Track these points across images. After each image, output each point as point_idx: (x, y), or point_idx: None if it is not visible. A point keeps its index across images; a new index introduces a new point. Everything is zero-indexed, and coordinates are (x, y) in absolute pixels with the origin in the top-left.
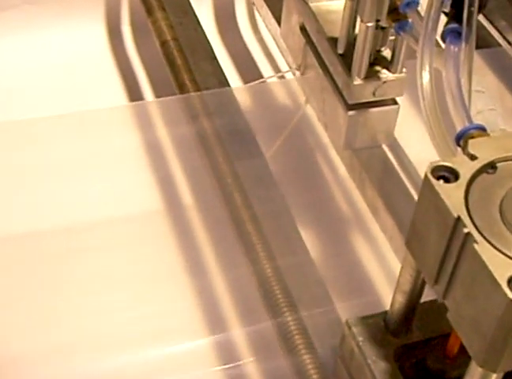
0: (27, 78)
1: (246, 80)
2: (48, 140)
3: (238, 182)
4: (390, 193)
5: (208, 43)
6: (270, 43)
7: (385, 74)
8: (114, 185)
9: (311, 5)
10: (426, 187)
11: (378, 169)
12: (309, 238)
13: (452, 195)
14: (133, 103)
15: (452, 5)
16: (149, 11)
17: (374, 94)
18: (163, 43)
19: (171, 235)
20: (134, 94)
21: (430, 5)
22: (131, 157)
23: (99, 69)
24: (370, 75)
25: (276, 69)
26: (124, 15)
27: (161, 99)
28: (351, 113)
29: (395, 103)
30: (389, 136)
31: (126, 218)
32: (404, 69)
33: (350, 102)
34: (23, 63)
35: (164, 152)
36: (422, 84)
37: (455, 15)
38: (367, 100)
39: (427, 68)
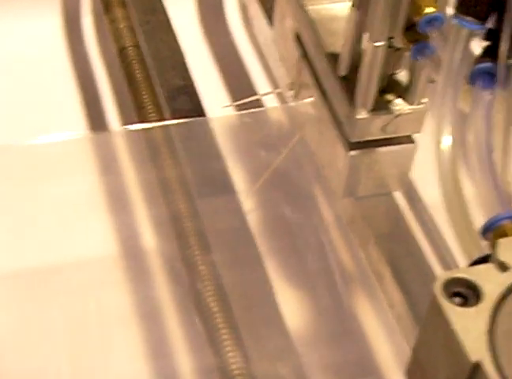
0: None
1: (233, 97)
2: None
3: (202, 240)
4: (401, 258)
5: (179, 50)
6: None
7: (399, 105)
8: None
9: (309, 8)
10: (434, 309)
11: (386, 224)
12: (288, 300)
13: (470, 326)
14: (88, 131)
15: (488, 35)
16: (107, 6)
17: (383, 130)
18: (121, 51)
19: (125, 283)
20: (92, 108)
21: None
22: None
23: (50, 72)
24: (380, 106)
25: (273, 83)
26: (85, 4)
27: (118, 130)
28: (353, 153)
29: (411, 141)
30: (401, 181)
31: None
32: (424, 100)
33: (352, 139)
34: None
35: (122, 195)
36: (440, 150)
37: (490, 49)
38: (374, 138)
39: (448, 128)
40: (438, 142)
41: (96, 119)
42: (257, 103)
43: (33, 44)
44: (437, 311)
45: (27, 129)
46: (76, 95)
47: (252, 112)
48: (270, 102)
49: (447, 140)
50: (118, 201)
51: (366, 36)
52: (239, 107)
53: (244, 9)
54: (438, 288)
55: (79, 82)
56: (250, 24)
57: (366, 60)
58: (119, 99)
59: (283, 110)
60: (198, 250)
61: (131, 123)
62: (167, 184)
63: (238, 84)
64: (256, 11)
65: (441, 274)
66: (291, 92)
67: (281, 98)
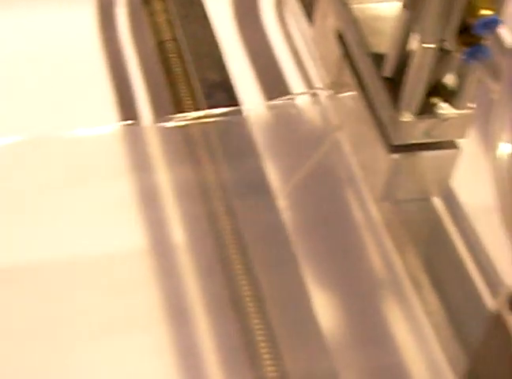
0: None
1: (267, 96)
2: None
3: (237, 237)
4: (440, 265)
5: (217, 45)
6: (301, 47)
7: (445, 110)
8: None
9: (353, 7)
10: (496, 322)
11: (426, 229)
12: (322, 302)
13: None
14: (122, 125)
15: None
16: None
17: (427, 134)
18: (160, 44)
19: (155, 279)
20: (125, 101)
21: None
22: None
23: (83, 64)
24: (425, 109)
25: (308, 81)
26: None
27: (154, 125)
28: (395, 156)
29: (454, 146)
30: (442, 187)
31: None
32: (471, 105)
33: (395, 142)
34: None
35: (155, 191)
36: (498, 161)
37: None
38: (417, 141)
39: (507, 135)
40: (495, 149)
41: (128, 113)
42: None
43: (67, 34)
44: (500, 324)
45: (60, 121)
46: (109, 87)
47: (291, 110)
48: (304, 102)
49: (505, 148)
50: (151, 197)
51: (415, 37)
52: (273, 105)
53: (279, 5)
54: (502, 302)
55: (112, 74)
56: (285, 20)
57: (414, 62)
58: (153, 93)
59: (321, 109)
60: (235, 249)
61: (164, 118)
62: (204, 181)
63: (270, 80)
64: (294, 8)
65: (505, 288)
66: (330, 92)
67: (315, 98)
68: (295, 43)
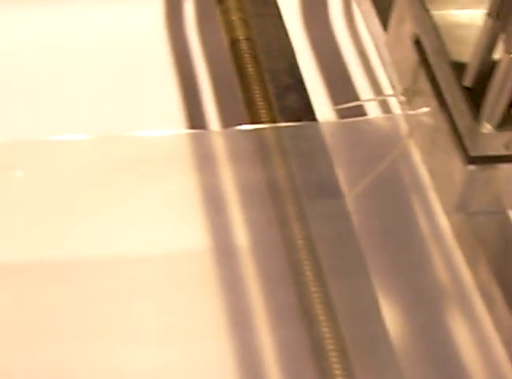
0: (50, 63)
1: (335, 99)
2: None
3: (308, 242)
4: None
5: (290, 46)
6: (371, 51)
7: None
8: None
9: (433, 13)
10: None
11: (500, 244)
12: (390, 314)
13: None
14: (190, 131)
15: None
16: None
17: (507, 147)
18: (233, 43)
19: (216, 282)
20: (194, 99)
21: None
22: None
23: (150, 61)
24: (507, 121)
25: (376, 86)
26: None
27: (223, 130)
28: (471, 167)
29: None
30: None
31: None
32: None
33: (473, 153)
34: (46, 43)
35: (223, 194)
36: None
37: None
38: (495, 154)
39: None
40: None
41: (196, 112)
42: (359, 108)
43: (134, 30)
44: None
45: (125, 120)
46: (176, 86)
47: (360, 116)
48: (372, 108)
49: None
50: (218, 200)
51: (501, 47)
52: (340, 111)
53: (348, 6)
54: None
55: (179, 72)
56: (355, 22)
57: (499, 72)
58: (222, 92)
59: (395, 119)
60: (305, 255)
61: (232, 119)
62: (274, 185)
63: (338, 83)
64: (366, 10)
65: None
66: (402, 99)
67: (385, 104)
68: (364, 47)
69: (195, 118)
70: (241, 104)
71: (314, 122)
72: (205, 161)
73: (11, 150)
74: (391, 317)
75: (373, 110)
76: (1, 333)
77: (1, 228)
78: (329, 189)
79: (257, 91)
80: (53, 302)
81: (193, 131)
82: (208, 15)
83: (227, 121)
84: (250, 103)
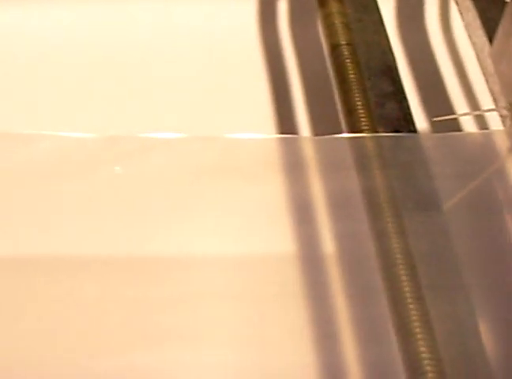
0: (144, 62)
1: (429, 110)
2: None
3: (406, 256)
4: None
5: (391, 54)
6: (469, 62)
7: None
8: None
9: None
10: None
11: None
12: (488, 329)
13: None
14: (282, 136)
15: None
16: (322, 1)
17: None
18: (334, 48)
19: (302, 291)
20: (284, 106)
21: None
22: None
23: (241, 62)
24: None
25: (473, 99)
26: None
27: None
28: None
29: None
30: None
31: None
32: None
33: None
34: (141, 42)
35: (313, 202)
36: None
37: None
38: None
39: None
40: None
41: (286, 117)
42: (455, 121)
43: (225, 30)
44: None
45: (214, 122)
46: (267, 89)
47: (465, 133)
48: (468, 121)
49: None
50: (306, 208)
51: None
52: (434, 123)
53: (445, 16)
54: None
55: (271, 74)
56: (453, 33)
57: None
58: (317, 99)
59: (494, 134)
60: (403, 270)
61: (324, 126)
62: (372, 196)
63: (433, 94)
64: (472, 21)
65: None
66: (505, 113)
67: (479, 118)
68: (463, 57)
69: (287, 124)
70: (332, 111)
71: (414, 134)
72: (297, 168)
73: (112, 144)
74: (489, 335)
75: (468, 123)
76: (90, 332)
77: (94, 221)
78: (427, 203)
79: (358, 99)
80: (136, 300)
81: (286, 136)
82: (303, 17)
83: (319, 128)
84: (349, 111)
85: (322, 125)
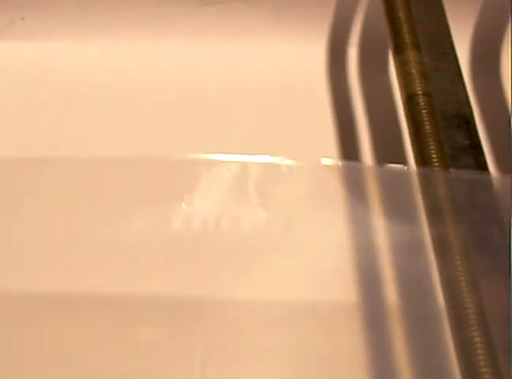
0: (213, 100)
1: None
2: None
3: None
4: None
5: (468, 104)
6: None
7: None
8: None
9: None
10: None
11: None
12: None
13: None
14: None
15: None
16: (399, 48)
17: None
18: (410, 98)
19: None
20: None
21: None
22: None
23: (307, 106)
24: None
25: None
26: (353, 33)
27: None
28: None
29: None
30: None
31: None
32: None
33: None
34: (210, 81)
35: (377, 242)
36: None
37: None
38: None
39: None
40: None
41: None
42: None
43: (293, 71)
44: None
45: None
46: (332, 138)
47: None
48: None
49: None
50: (369, 247)
51: None
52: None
53: None
54: None
55: (337, 119)
56: None
57: None
58: (382, 151)
59: None
60: (476, 327)
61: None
62: (438, 238)
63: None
64: None
65: None
66: None
67: None
68: None
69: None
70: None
71: (486, 179)
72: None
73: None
74: None
75: None
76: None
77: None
78: (497, 253)
79: (434, 151)
80: (195, 336)
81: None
82: (374, 64)
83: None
84: (424, 164)
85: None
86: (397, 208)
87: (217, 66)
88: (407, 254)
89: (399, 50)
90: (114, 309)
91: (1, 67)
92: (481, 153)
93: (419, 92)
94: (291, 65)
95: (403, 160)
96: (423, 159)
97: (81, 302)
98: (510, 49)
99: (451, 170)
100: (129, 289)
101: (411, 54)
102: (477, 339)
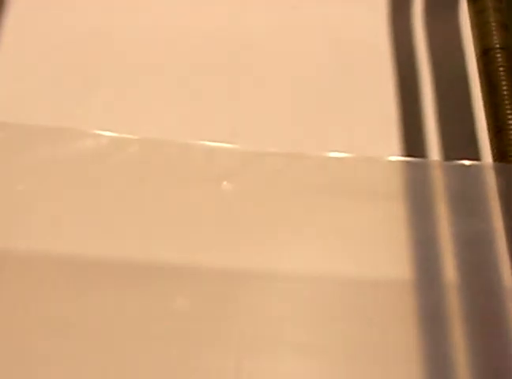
0: (270, 60)
1: None
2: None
3: None
4: None
5: None
6: None
7: None
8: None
9: None
10: None
11: None
12: None
13: None
14: (406, 159)
15: None
16: None
17: None
18: (485, 52)
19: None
20: (411, 122)
21: None
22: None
23: (369, 66)
24: None
25: None
26: None
27: (446, 163)
28: None
29: None
30: None
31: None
32: None
33: None
34: (269, 41)
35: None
36: None
37: None
38: None
39: None
40: None
41: (413, 133)
42: None
43: (356, 31)
44: None
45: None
46: (392, 94)
47: None
48: None
49: None
50: (425, 238)
51: None
52: None
53: None
54: None
55: (399, 81)
56: None
57: None
58: (446, 116)
59: None
60: None
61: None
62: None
63: None
64: None
65: None
66: None
67: None
68: None
69: (412, 140)
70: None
71: None
72: (420, 193)
73: (219, 157)
74: None
75: None
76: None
77: (199, 234)
78: None
79: (510, 115)
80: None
81: (412, 159)
82: (442, 11)
83: (450, 149)
84: (498, 128)
85: (455, 145)
86: (463, 198)
87: (272, 21)
88: (469, 245)
89: None
90: (154, 277)
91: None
92: None
93: (497, 46)
94: (353, 25)
95: (473, 131)
96: (496, 123)
97: (123, 269)
98: None
99: None
100: (169, 259)
101: (489, 1)
102: None
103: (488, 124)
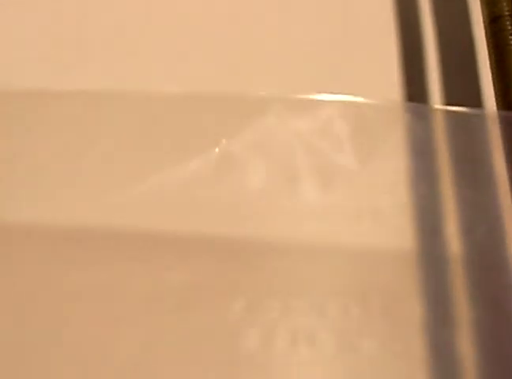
0: (264, 8)
1: None
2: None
3: None
4: None
5: None
6: None
7: None
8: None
9: None
10: None
11: None
12: None
13: None
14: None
15: None
16: None
17: None
18: (494, 20)
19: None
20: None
21: None
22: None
23: (371, 22)
24: None
25: None
26: None
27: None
28: None
29: None
30: None
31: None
32: None
33: None
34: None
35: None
36: None
37: None
38: None
39: None
40: None
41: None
42: None
43: None
44: None
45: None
46: (395, 55)
47: None
48: None
49: None
50: (430, 191)
51: None
52: None
53: None
54: None
55: (402, 41)
56: None
57: None
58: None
59: None
60: None
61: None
62: None
63: None
64: None
65: None
66: None
67: None
68: None
69: (415, 90)
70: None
71: None
72: (425, 145)
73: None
74: None
75: None
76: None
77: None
78: None
79: None
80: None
81: (416, 105)
82: None
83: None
84: (508, 107)
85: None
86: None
87: None
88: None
89: None
90: (165, 246)
91: None
92: None
93: (507, 13)
94: None
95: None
96: (506, 99)
97: (133, 240)
98: None
99: None
100: (178, 228)
101: None
102: None
103: (496, 97)
